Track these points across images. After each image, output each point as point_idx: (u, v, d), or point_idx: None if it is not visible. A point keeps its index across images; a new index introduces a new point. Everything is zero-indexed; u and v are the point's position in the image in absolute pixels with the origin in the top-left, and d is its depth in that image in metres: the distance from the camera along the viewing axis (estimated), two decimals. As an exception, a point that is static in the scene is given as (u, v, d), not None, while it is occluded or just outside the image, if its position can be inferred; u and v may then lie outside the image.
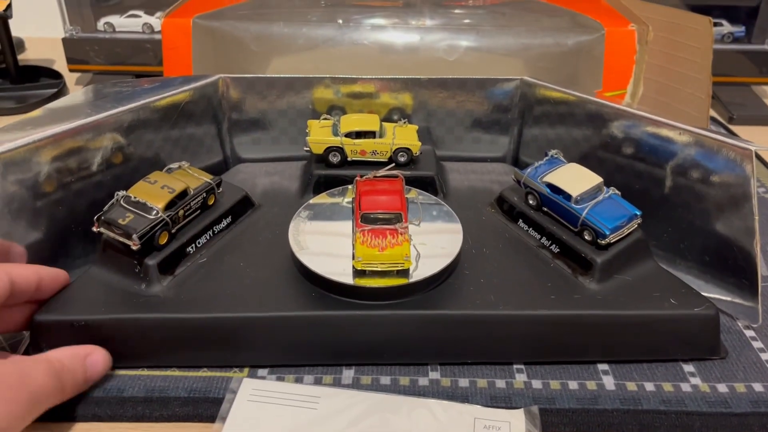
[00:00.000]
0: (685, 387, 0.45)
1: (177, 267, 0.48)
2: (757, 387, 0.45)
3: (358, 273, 0.45)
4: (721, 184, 0.48)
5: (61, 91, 0.90)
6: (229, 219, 0.53)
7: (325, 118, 0.59)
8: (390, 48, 0.71)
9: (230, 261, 0.49)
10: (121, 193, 0.48)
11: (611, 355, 0.47)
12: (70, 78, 0.95)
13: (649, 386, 0.45)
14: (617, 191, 0.51)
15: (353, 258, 0.46)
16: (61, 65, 0.96)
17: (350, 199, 0.53)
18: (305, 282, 0.47)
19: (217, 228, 0.52)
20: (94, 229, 0.46)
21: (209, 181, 0.52)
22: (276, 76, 0.61)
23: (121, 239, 0.45)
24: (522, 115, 0.63)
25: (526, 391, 0.44)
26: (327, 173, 0.57)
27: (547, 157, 0.55)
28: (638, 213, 0.49)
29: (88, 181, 0.50)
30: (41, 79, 0.92)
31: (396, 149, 0.57)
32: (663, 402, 0.44)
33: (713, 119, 0.88)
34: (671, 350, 0.47)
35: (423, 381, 0.45)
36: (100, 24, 0.93)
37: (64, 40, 0.91)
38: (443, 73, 0.66)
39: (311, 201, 0.53)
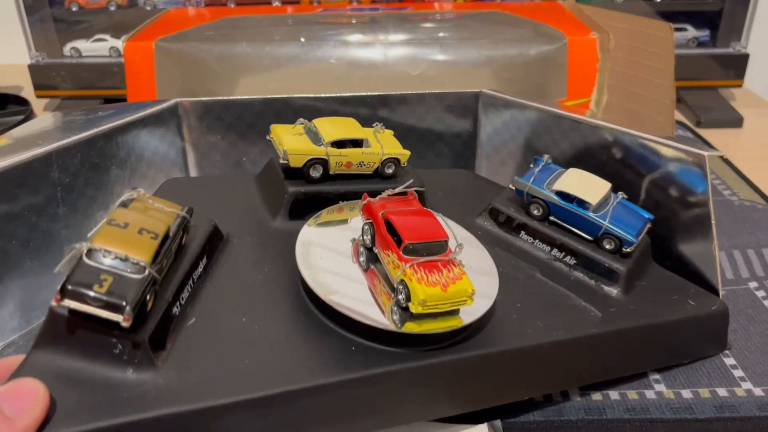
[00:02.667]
0: (650, 394, 0.45)
1: (167, 338, 0.36)
2: (721, 392, 0.45)
3: (405, 317, 0.38)
4: (679, 190, 0.49)
5: (29, 118, 0.89)
6: (204, 260, 0.41)
7: (300, 123, 0.51)
8: (355, 64, 0.72)
9: (228, 318, 0.39)
10: (84, 245, 0.33)
11: (648, 365, 0.46)
12: (38, 104, 0.95)
13: (614, 394, 0.45)
14: (625, 195, 0.49)
15: (406, 299, 0.37)
16: (29, 92, 0.95)
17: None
18: (334, 333, 0.39)
19: (195, 275, 0.40)
20: (54, 303, 0.32)
21: (183, 214, 0.40)
22: (235, 97, 0.61)
23: (105, 314, 0.32)
24: (483, 127, 0.63)
25: (491, 405, 0.44)
26: (306, 190, 0.48)
27: (542, 164, 0.51)
28: (651, 217, 0.48)
29: (41, 216, 0.49)
30: (8, 107, 0.91)
31: (384, 160, 0.50)
32: (627, 410, 0.44)
33: (681, 123, 0.89)
34: (692, 351, 0.48)
35: (387, 399, 0.45)
36: (67, 49, 0.92)
37: (30, 66, 0.91)
38: (408, 87, 0.66)
39: (306, 226, 0.44)
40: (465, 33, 0.74)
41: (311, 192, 0.48)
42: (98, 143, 0.53)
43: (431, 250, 0.39)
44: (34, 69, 0.91)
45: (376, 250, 0.41)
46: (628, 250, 0.46)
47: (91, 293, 0.32)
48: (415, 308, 0.37)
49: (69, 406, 0.32)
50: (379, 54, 0.72)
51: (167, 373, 0.34)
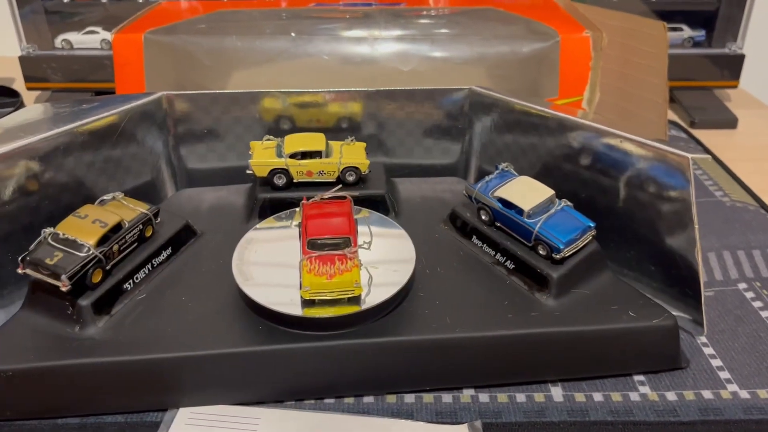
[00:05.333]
0: (634, 396, 0.44)
1: (113, 306, 0.45)
2: (707, 394, 0.45)
3: (308, 302, 0.43)
4: (663, 193, 0.48)
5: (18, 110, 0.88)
6: (169, 250, 0.50)
7: (268, 139, 0.57)
8: (346, 59, 0.71)
9: (171, 296, 0.47)
10: (49, 230, 0.45)
11: (572, 372, 0.46)
12: (28, 96, 0.94)
13: (598, 396, 0.44)
14: (569, 203, 0.50)
15: (300, 287, 0.43)
16: (20, 83, 0.94)
17: (298, 222, 0.51)
18: (252, 315, 0.45)
19: (156, 261, 0.49)
20: (20, 270, 0.43)
21: (145, 212, 0.49)
22: (221, 91, 0.60)
23: (50, 280, 0.42)
24: (472, 124, 0.62)
25: (473, 405, 0.44)
26: (273, 196, 0.55)
27: (497, 171, 0.54)
28: (592, 225, 0.48)
29: (22, 210, 0.48)
30: (-2, 98, 0.91)
31: (344, 168, 0.56)
32: (611, 412, 0.43)
33: (675, 124, 0.88)
34: (631, 364, 0.46)
35: (367, 398, 0.44)
36: (58, 41, 0.92)
37: (20, 58, 0.90)
38: (399, 83, 0.66)
39: (257, 227, 0.51)
40: (457, 29, 0.73)
41: (278, 198, 0.55)
42: (83, 135, 0.52)
43: (334, 246, 0.45)
44: (24, 61, 0.90)
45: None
46: (557, 256, 0.47)
47: (42, 264, 0.42)
48: (303, 294, 0.43)
49: (27, 348, 0.42)
50: (371, 50, 0.71)
51: (104, 332, 0.44)
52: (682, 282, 0.47)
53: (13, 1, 0.88)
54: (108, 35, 0.91)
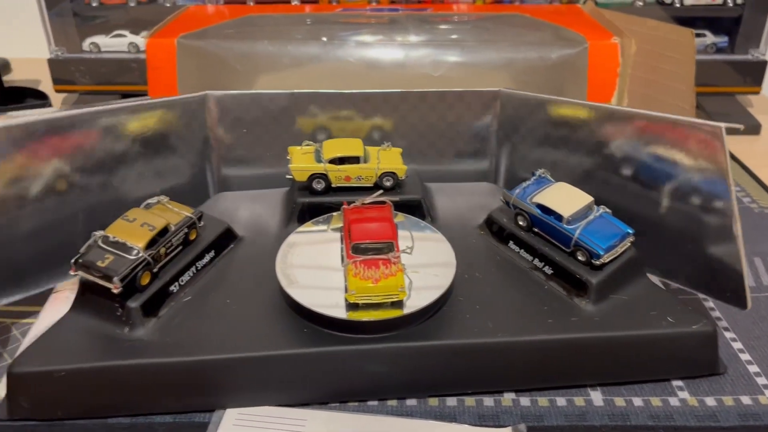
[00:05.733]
0: (674, 401, 0.45)
1: (161, 308, 0.46)
2: (745, 400, 0.45)
3: (352, 306, 0.44)
4: (697, 170, 0.48)
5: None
6: (212, 254, 0.51)
7: (307, 144, 0.58)
8: (375, 64, 0.71)
9: (216, 298, 0.48)
10: (99, 233, 0.46)
11: (611, 377, 0.46)
12: (56, 98, 0.95)
13: (638, 401, 0.45)
14: (608, 210, 0.50)
15: (346, 291, 0.44)
16: (47, 86, 0.95)
17: (336, 227, 0.52)
18: (296, 317, 0.45)
19: (200, 264, 0.50)
20: (71, 272, 0.44)
21: (190, 215, 0.50)
22: (261, 92, 0.61)
23: (102, 282, 0.43)
24: (502, 125, 0.63)
25: (514, 408, 0.44)
26: (311, 201, 0.56)
27: (534, 177, 0.55)
28: (630, 231, 0.49)
29: (57, 207, 0.50)
30: (27, 100, 0.92)
31: (381, 174, 0.56)
32: (651, 417, 0.44)
33: (698, 129, 0.89)
34: (670, 369, 0.47)
35: (410, 401, 0.45)
36: (86, 44, 0.93)
37: (49, 60, 0.91)
38: (428, 88, 0.66)
39: (297, 230, 0.52)
40: (485, 35, 0.74)
41: (316, 202, 0.56)
42: (124, 135, 0.53)
43: (378, 251, 0.46)
44: (53, 63, 0.91)
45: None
46: (597, 262, 0.47)
47: (94, 267, 0.43)
48: (349, 297, 0.43)
49: (78, 349, 0.43)
50: (399, 55, 0.72)
51: (153, 333, 0.44)
52: (720, 256, 0.48)
53: (42, 4, 0.89)
54: (135, 38, 0.92)
